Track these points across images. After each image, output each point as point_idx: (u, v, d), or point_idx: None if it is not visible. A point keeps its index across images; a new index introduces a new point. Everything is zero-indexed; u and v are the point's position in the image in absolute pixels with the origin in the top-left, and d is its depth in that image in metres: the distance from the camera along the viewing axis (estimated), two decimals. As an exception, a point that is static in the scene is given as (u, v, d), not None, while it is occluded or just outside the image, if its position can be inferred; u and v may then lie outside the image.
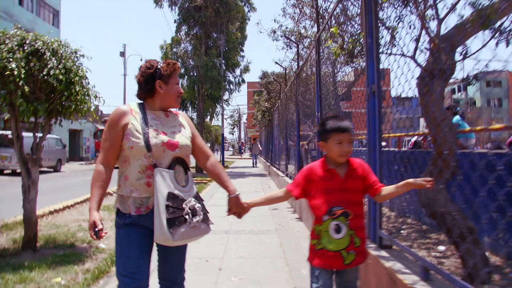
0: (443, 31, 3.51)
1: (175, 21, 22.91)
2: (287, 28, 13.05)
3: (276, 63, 13.93)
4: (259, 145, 32.49)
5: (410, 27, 3.39)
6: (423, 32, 3.57)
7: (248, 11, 24.46)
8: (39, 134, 5.47)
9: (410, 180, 2.24)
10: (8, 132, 20.31)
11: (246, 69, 25.77)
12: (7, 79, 4.62)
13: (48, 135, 23.38)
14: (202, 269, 4.66)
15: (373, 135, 3.21)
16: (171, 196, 2.27)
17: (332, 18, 5.42)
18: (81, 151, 39.37)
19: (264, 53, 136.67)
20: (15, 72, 4.56)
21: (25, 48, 4.82)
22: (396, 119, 3.79)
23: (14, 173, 20.29)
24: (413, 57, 3.75)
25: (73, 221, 7.42)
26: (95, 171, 2.42)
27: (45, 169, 22.23)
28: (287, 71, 13.92)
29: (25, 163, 5.23)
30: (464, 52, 3.28)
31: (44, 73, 4.82)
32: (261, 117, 30.20)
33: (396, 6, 3.41)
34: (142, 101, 2.58)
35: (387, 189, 2.41)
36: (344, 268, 2.38)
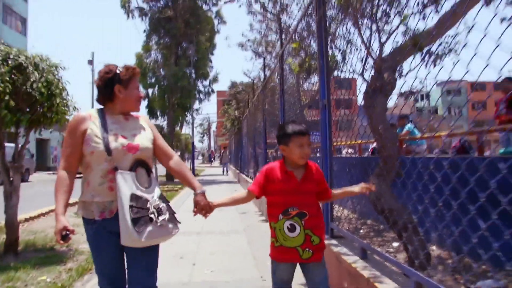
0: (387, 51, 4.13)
1: (144, 31, 23.26)
2: (255, 38, 13.66)
3: (245, 74, 14.55)
4: (227, 153, 33.10)
5: (357, 50, 3.98)
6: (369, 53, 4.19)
7: (218, 23, 25.14)
8: (20, 144, 5.77)
9: (354, 188, 2.56)
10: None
11: (215, 79, 26.34)
12: (-7, 93, 4.96)
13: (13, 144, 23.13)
14: (177, 265, 5.11)
15: (325, 141, 3.75)
16: (134, 197, 2.29)
17: (296, 34, 5.99)
18: (49, 160, 38.92)
19: (233, 63, 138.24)
20: (1, 88, 4.90)
21: (9, 62, 5.17)
22: (363, 126, 4.27)
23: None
24: (361, 74, 4.36)
25: (49, 227, 7.64)
26: (58, 177, 2.44)
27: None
28: (255, 81, 14.49)
29: (7, 171, 5.54)
30: (400, 71, 3.89)
31: (27, 86, 5.17)
32: (230, 126, 30.71)
33: (344, 33, 3.99)
34: (102, 106, 2.60)
35: (335, 194, 2.70)
36: (305, 262, 2.52)
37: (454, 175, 2.19)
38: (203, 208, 2.54)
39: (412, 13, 3.72)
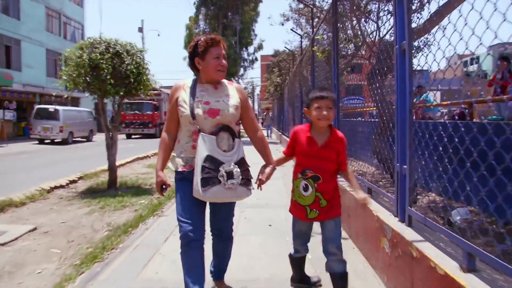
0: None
1: (194, 3, 24.98)
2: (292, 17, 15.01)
3: (285, 47, 15.97)
4: (270, 115, 33.22)
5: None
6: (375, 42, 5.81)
7: (262, -8, 26.45)
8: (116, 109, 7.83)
9: (357, 193, 2.64)
10: (49, 106, 22.95)
11: (259, 47, 28.01)
12: (99, 73, 6.95)
13: (82, 108, 25.83)
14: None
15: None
16: (208, 158, 2.49)
17: (323, 23, 7.51)
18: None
19: (276, 32, 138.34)
20: (106, 70, 6.88)
21: (110, 50, 7.13)
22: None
23: (53, 143, 22.73)
24: (368, 59, 6.00)
25: (129, 174, 9.88)
26: (161, 138, 2.81)
27: (79, 138, 24.77)
28: (294, 52, 15.90)
29: (108, 128, 7.62)
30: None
31: (122, 67, 7.13)
32: (273, 91, 32.14)
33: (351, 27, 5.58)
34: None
35: (350, 178, 2.77)
36: (310, 221, 2.79)
37: (445, 135, 2.64)
38: (264, 175, 2.76)
39: None
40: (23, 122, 28.34)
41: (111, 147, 7.67)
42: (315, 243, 3.10)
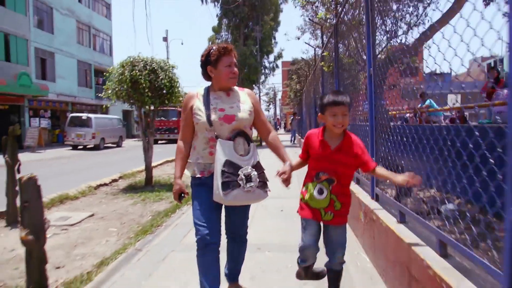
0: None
1: (217, 15, 26.43)
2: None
3: (302, 58, 17.07)
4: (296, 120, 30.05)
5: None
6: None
7: (281, 3, 27.65)
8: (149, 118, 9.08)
9: (397, 177, 2.41)
10: (82, 114, 24.58)
11: (279, 56, 29.20)
12: (138, 87, 8.19)
13: (112, 116, 27.22)
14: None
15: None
16: (227, 163, 2.54)
17: (329, 42, 8.59)
18: (133, 129, 43.13)
19: (295, 41, 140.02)
20: (144, 84, 8.13)
21: (147, 67, 8.38)
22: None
23: (85, 148, 24.30)
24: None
25: (162, 174, 11.12)
26: (177, 146, 2.85)
27: (110, 144, 26.22)
28: (310, 62, 16.95)
29: (145, 133, 8.87)
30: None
31: (157, 81, 8.37)
32: (293, 96, 33.11)
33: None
34: (209, 83, 2.88)
35: (378, 172, 2.63)
36: (325, 224, 2.69)
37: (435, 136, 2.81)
38: (285, 174, 2.64)
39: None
40: (57, 129, 30.17)
41: (147, 150, 8.92)
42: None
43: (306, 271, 2.91)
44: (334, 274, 2.85)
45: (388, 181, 3.34)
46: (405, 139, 3.16)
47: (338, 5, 6.55)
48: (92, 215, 6.29)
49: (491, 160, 1.82)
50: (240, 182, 2.54)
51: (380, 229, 3.39)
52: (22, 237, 3.25)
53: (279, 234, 4.98)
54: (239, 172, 2.55)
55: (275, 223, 5.56)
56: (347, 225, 2.80)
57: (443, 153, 2.54)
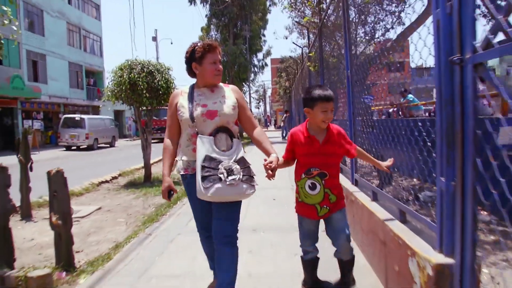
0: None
1: (206, 15, 26.92)
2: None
3: (290, 57, 17.68)
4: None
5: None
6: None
7: (269, 5, 28.24)
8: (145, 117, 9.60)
9: (381, 163, 2.85)
10: (75, 115, 24.89)
11: (268, 53, 29.77)
12: (137, 88, 8.71)
13: (104, 116, 27.48)
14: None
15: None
16: (207, 158, 2.52)
17: (314, 46, 9.18)
18: (124, 129, 43.52)
19: (283, 40, 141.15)
20: (142, 86, 8.65)
21: (145, 70, 8.90)
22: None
23: (79, 149, 24.51)
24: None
25: (158, 171, 11.52)
26: (163, 144, 2.84)
27: (103, 144, 26.49)
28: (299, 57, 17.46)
29: (143, 132, 9.39)
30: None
31: (154, 83, 8.89)
32: (283, 94, 33.69)
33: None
34: (194, 80, 2.88)
35: (361, 153, 2.91)
36: (321, 218, 2.79)
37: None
38: (270, 167, 2.54)
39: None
40: (49, 131, 30.43)
41: (146, 148, 9.45)
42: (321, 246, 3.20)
43: (310, 276, 3.03)
44: (344, 264, 2.92)
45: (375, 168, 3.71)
46: (377, 131, 3.77)
47: (322, 11, 7.13)
48: (100, 208, 6.83)
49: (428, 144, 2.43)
50: (221, 175, 2.49)
51: (357, 207, 3.99)
52: (54, 222, 3.81)
53: (271, 218, 5.59)
54: (219, 166, 2.52)
55: (268, 209, 6.18)
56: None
57: (402, 140, 3.13)
